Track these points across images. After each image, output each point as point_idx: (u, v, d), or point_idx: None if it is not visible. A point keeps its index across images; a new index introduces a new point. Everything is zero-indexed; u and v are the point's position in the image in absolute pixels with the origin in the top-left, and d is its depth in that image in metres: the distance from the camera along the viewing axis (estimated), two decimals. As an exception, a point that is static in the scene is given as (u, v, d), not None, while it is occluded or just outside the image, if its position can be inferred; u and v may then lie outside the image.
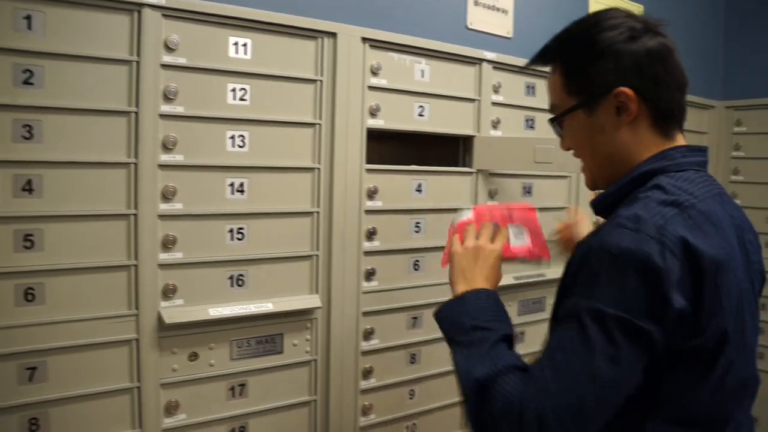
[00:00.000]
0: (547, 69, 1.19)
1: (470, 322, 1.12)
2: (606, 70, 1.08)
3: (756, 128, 3.28)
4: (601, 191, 1.17)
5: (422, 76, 2.06)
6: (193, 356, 1.66)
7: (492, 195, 2.25)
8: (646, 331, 0.92)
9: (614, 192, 1.12)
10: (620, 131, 1.10)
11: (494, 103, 2.25)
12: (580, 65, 1.11)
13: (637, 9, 2.91)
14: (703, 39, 3.40)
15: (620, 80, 1.07)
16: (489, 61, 2.20)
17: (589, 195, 1.24)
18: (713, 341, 0.98)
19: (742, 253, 1.07)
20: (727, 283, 0.98)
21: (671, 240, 0.94)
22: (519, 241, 1.40)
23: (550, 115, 1.20)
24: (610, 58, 1.07)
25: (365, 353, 1.98)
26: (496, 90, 2.25)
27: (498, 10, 2.33)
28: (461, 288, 1.23)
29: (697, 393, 1.01)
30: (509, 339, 1.09)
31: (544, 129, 2.39)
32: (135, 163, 1.55)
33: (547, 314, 2.44)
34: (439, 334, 2.11)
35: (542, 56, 1.18)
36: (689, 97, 1.15)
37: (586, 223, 1.74)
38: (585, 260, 1.00)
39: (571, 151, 1.20)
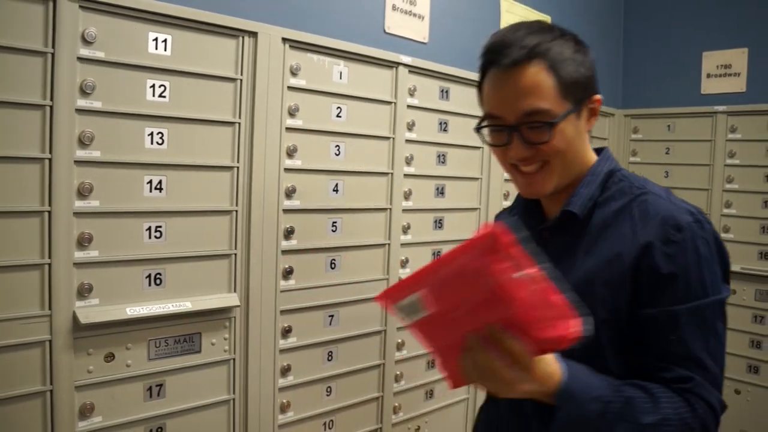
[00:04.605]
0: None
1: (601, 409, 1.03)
2: (590, 77, 1.15)
3: (650, 135, 3.59)
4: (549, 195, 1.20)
5: (340, 77, 2.09)
6: (110, 357, 1.62)
7: (406, 196, 2.31)
8: None
9: (593, 193, 1.18)
10: (585, 134, 1.19)
11: (410, 106, 2.31)
12: (572, 69, 1.12)
13: (546, 19, 3.05)
14: (605, 52, 3.66)
15: (596, 87, 1.17)
16: (405, 65, 2.26)
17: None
18: None
19: None
20: None
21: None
22: None
23: (535, 120, 1.11)
24: (591, 66, 1.16)
25: (283, 351, 1.99)
26: (411, 93, 2.31)
27: (415, 15, 2.40)
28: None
29: None
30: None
31: (456, 132, 2.48)
32: (49, 159, 1.50)
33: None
34: (354, 330, 2.18)
35: (528, 54, 1.10)
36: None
37: None
38: (680, 249, 1.07)
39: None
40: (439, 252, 2.48)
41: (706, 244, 1.08)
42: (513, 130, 1.12)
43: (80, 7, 1.53)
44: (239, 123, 1.84)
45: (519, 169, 1.16)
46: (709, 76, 3.60)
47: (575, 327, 0.92)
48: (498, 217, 1.48)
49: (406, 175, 2.32)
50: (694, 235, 1.07)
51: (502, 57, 1.11)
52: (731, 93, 3.51)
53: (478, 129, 1.19)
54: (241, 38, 1.82)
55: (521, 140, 1.12)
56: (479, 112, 2.65)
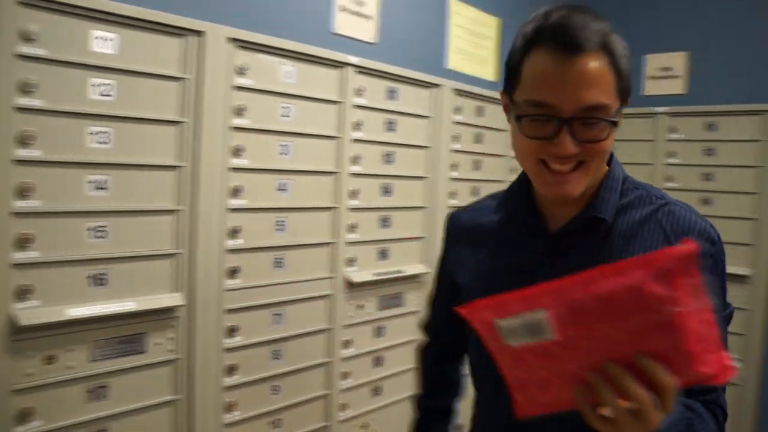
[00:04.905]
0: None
1: None
2: (630, 76, 1.08)
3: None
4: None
5: (288, 78, 2.10)
6: (50, 359, 1.60)
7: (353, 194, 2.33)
8: None
9: (616, 199, 1.13)
10: None
11: (357, 106, 2.33)
12: (626, 66, 1.05)
13: (495, 21, 3.10)
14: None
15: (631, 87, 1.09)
16: (353, 65, 2.28)
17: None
18: None
19: None
20: None
21: None
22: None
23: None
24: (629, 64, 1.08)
25: (229, 350, 1.99)
26: (359, 93, 2.33)
27: (363, 16, 2.42)
28: None
29: None
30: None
31: (403, 132, 2.51)
32: (-13, 159, 1.48)
33: (405, 309, 2.57)
34: (301, 329, 2.19)
35: (600, 42, 1.01)
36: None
37: None
38: (714, 262, 1.10)
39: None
40: (385, 251, 2.51)
41: (724, 258, 1.13)
42: (564, 123, 1.00)
43: (19, 3, 1.49)
44: (186, 122, 1.83)
45: (549, 166, 1.05)
46: (650, 78, 3.72)
47: (729, 361, 0.82)
48: (454, 216, 1.37)
49: (353, 174, 2.34)
50: (720, 250, 1.11)
51: (571, 39, 0.99)
52: (672, 95, 3.63)
53: (519, 117, 1.05)
54: (187, 37, 1.81)
55: (571, 135, 1.01)
56: (427, 113, 2.67)
